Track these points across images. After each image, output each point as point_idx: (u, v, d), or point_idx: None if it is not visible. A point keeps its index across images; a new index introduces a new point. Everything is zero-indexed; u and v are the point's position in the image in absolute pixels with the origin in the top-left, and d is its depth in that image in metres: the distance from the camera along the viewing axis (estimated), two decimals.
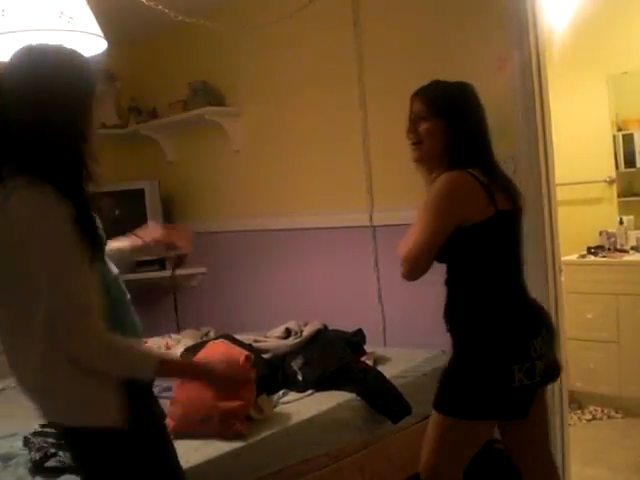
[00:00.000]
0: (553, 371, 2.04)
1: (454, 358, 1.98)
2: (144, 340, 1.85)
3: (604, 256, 4.00)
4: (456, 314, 1.99)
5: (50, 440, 2.17)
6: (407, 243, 1.90)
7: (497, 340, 1.89)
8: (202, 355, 2.65)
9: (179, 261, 4.30)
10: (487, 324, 1.92)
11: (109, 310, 1.51)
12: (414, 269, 1.89)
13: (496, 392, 1.88)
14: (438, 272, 2.04)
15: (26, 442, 2.21)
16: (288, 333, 3.15)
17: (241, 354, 2.50)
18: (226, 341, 2.80)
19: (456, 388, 1.93)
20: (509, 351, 1.88)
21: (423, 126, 1.96)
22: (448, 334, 2.02)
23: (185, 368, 1.83)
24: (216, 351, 2.64)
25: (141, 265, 4.12)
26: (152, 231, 2.00)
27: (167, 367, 1.65)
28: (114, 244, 1.83)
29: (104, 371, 1.51)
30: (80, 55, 1.54)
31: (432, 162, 1.99)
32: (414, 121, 2.00)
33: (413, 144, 2.00)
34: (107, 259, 1.65)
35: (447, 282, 2.01)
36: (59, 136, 1.47)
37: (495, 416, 1.95)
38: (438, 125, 1.94)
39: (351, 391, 2.69)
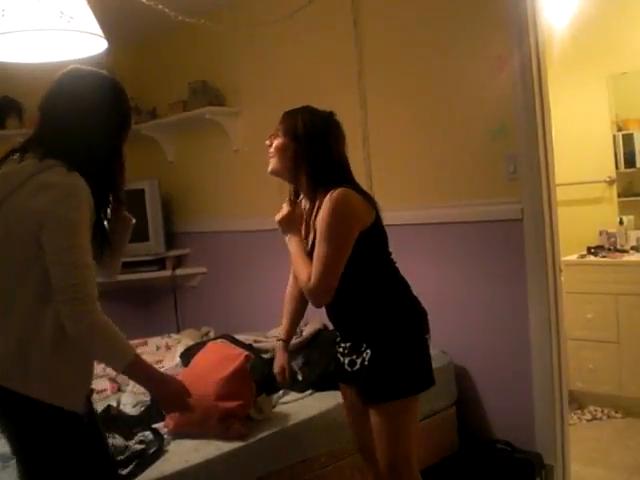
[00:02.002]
0: None
1: (377, 351, 2.03)
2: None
3: (604, 256, 4.00)
4: (364, 312, 2.07)
5: None
6: (313, 271, 1.98)
7: (410, 318, 2.08)
8: (200, 357, 2.65)
9: (179, 261, 4.32)
10: (396, 307, 2.07)
11: None
12: (328, 294, 2.00)
13: (423, 362, 2.07)
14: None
15: None
16: None
17: (241, 354, 2.50)
18: (226, 341, 2.81)
19: (394, 372, 2.02)
20: (420, 324, 2.10)
21: (275, 142, 2.12)
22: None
23: (151, 375, 1.73)
24: (215, 353, 2.65)
25: (141, 265, 4.12)
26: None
27: (138, 366, 1.67)
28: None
29: (87, 346, 1.60)
30: (120, 86, 1.84)
31: (286, 177, 2.15)
32: (272, 136, 2.14)
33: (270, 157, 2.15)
34: None
35: (356, 284, 2.05)
36: (101, 143, 1.73)
37: (430, 384, 2.09)
38: (285, 144, 2.09)
39: None
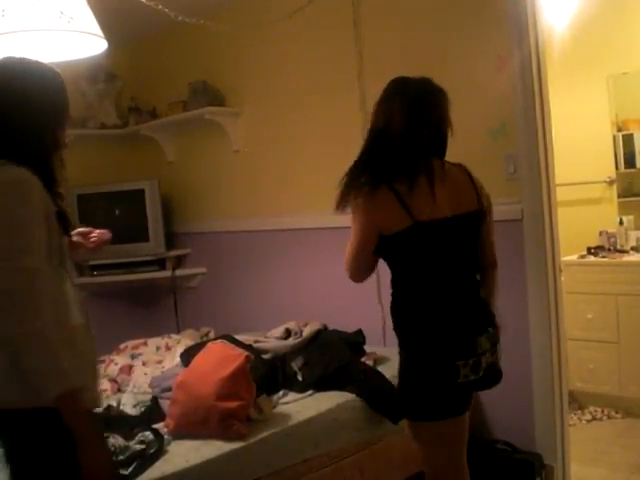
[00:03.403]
0: (495, 375, 2.08)
1: (402, 362, 2.04)
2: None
3: (604, 256, 4.00)
4: (400, 313, 2.04)
5: None
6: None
7: (439, 338, 1.94)
8: (200, 357, 2.65)
9: (179, 261, 4.32)
10: (429, 323, 1.96)
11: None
12: (352, 273, 2.08)
13: (444, 390, 1.94)
14: None
15: None
16: (288, 333, 3.15)
17: (241, 355, 2.50)
18: (226, 341, 2.81)
19: (411, 392, 1.99)
20: (452, 348, 1.93)
21: None
22: None
23: (90, 424, 1.53)
24: (215, 353, 2.65)
25: (141, 265, 4.12)
26: None
27: (77, 402, 1.48)
28: None
29: (19, 355, 1.45)
30: (59, 74, 1.68)
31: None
32: None
33: None
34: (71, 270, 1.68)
35: (391, 282, 2.08)
36: (38, 135, 1.60)
37: (451, 413, 1.98)
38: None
39: (351, 392, 2.69)
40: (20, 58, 1.65)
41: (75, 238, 1.97)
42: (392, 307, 2.07)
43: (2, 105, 1.59)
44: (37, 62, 1.66)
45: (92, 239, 2.01)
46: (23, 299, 1.44)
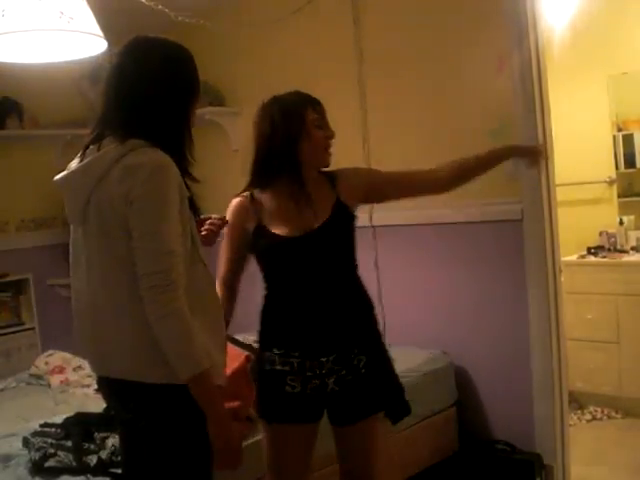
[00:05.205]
0: None
1: (382, 360, 2.02)
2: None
3: (604, 256, 4.00)
4: (369, 318, 2.04)
5: (49, 440, 2.17)
6: None
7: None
8: None
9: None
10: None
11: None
12: None
13: None
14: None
15: (25, 442, 2.21)
16: None
17: (241, 355, 2.50)
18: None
19: (390, 379, 2.01)
20: None
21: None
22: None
23: (218, 404, 1.58)
24: None
25: None
26: None
27: (206, 384, 1.52)
28: None
29: (158, 337, 1.48)
30: (190, 52, 1.68)
31: None
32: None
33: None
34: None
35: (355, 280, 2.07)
36: (173, 115, 1.61)
37: None
38: None
39: None
40: (155, 37, 1.65)
41: None
42: (365, 305, 2.06)
43: (140, 85, 1.59)
44: (171, 41, 1.66)
45: (205, 227, 1.95)
46: (165, 281, 1.46)
